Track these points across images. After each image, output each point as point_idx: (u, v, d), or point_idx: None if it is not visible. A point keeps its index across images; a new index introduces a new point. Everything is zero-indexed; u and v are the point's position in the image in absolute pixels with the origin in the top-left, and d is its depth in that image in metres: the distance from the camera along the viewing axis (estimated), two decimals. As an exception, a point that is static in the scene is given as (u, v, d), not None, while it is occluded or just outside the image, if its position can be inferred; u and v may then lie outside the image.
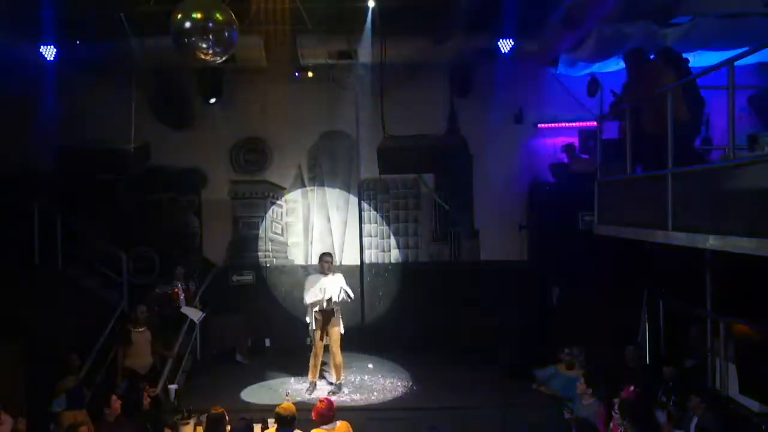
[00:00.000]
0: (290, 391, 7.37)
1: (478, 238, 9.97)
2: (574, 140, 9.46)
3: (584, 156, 9.13)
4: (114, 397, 6.15)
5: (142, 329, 7.55)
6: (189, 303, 8.69)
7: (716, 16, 7.29)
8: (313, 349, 7.83)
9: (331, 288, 7.66)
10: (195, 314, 8.44)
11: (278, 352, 9.45)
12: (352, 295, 7.85)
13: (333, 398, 6.12)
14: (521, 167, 9.62)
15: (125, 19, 7.55)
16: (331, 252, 8.60)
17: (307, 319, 7.86)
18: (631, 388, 6.29)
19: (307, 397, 7.60)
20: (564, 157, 9.39)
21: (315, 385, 7.87)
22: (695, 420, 5.70)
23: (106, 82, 8.92)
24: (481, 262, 9.84)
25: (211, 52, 5.48)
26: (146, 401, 6.50)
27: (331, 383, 8.00)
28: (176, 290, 8.65)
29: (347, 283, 7.85)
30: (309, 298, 7.69)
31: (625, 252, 7.34)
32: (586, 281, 8.19)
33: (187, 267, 9.28)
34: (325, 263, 7.78)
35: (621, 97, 6.93)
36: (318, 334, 7.77)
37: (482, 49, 8.00)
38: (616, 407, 5.87)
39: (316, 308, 7.70)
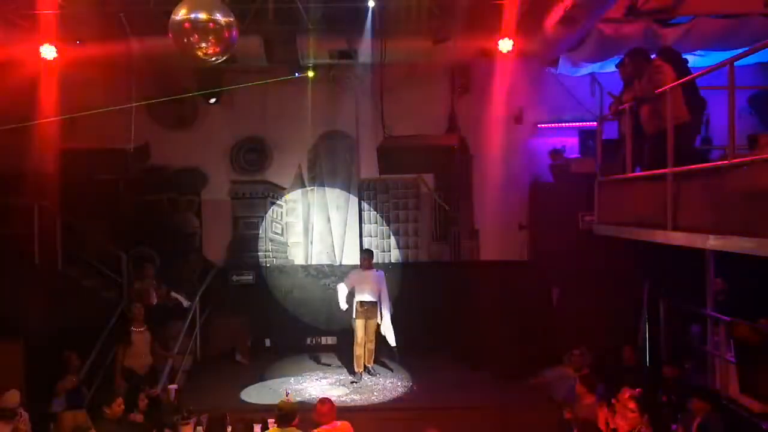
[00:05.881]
0: (290, 391, 7.38)
1: (478, 238, 9.96)
2: (565, 141, 9.45)
3: (574, 156, 9.13)
4: (119, 400, 6.13)
5: (142, 329, 7.52)
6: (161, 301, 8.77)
7: (716, 16, 7.29)
8: (356, 341, 8.23)
9: (367, 285, 8.24)
10: (185, 300, 8.53)
11: (278, 352, 9.46)
12: (393, 342, 8.39)
13: (333, 398, 6.12)
14: (521, 167, 9.60)
15: (125, 19, 7.55)
16: (371, 249, 9.08)
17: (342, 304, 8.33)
18: (628, 394, 6.24)
19: (307, 396, 7.62)
20: (559, 160, 9.35)
21: (361, 375, 8.21)
22: (697, 420, 5.70)
23: (106, 83, 8.92)
24: (481, 262, 9.83)
25: (211, 52, 5.49)
26: (142, 403, 6.50)
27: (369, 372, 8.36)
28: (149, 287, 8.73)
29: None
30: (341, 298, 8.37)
31: (625, 252, 7.34)
32: (587, 281, 8.19)
33: (186, 267, 9.29)
34: (363, 260, 8.43)
35: (619, 97, 6.93)
36: (359, 324, 8.19)
37: (482, 49, 8.00)
38: (630, 405, 5.69)
39: (357, 299, 8.23)
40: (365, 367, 8.34)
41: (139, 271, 9.07)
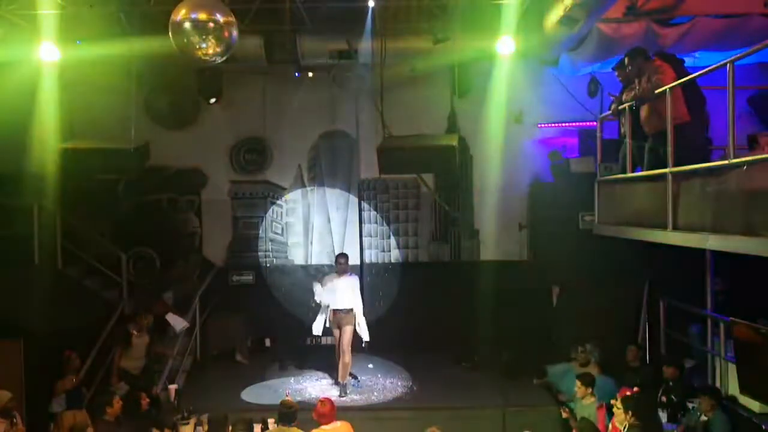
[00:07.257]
0: (290, 391, 7.39)
1: (478, 238, 9.95)
2: (565, 141, 9.45)
3: (574, 156, 9.13)
4: (116, 398, 6.15)
5: (142, 332, 7.56)
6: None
7: (716, 15, 7.29)
8: (336, 349, 7.97)
9: (341, 292, 7.86)
10: (179, 323, 8.29)
11: (278, 352, 9.45)
12: (366, 338, 8.02)
13: (333, 398, 6.12)
14: (521, 167, 9.59)
15: (125, 18, 7.55)
16: (346, 253, 8.43)
17: (319, 317, 8.02)
18: (628, 393, 6.26)
19: (307, 396, 7.61)
20: (558, 161, 9.34)
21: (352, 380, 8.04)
22: (704, 418, 5.71)
23: (106, 82, 8.92)
24: (481, 262, 9.82)
25: (211, 52, 5.49)
26: (144, 401, 6.50)
27: (337, 383, 7.90)
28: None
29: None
30: (316, 295, 8.01)
31: (625, 251, 7.34)
32: (587, 281, 8.19)
33: (186, 267, 9.27)
34: (339, 264, 8.01)
35: (619, 97, 6.94)
36: (336, 333, 7.94)
37: (482, 49, 8.00)
38: (619, 403, 5.78)
39: (330, 308, 7.90)
40: (340, 385, 7.81)
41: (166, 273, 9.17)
